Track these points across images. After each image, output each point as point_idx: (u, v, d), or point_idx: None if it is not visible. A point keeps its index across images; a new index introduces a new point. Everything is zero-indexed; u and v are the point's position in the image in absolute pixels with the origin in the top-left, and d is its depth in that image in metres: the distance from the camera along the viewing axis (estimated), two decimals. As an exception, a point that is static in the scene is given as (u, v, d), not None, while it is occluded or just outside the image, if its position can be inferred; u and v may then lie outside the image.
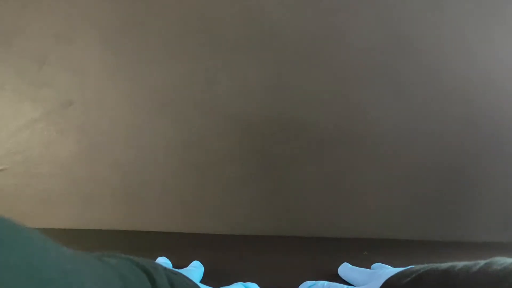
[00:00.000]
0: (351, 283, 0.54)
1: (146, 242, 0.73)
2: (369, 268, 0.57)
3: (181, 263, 0.61)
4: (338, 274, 0.58)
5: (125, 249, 0.69)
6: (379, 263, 0.59)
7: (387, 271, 0.48)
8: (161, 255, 0.64)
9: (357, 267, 0.57)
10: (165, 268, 0.39)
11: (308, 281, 0.51)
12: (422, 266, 0.43)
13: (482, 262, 0.37)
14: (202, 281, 0.55)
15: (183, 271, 0.51)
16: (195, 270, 0.56)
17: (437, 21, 0.77)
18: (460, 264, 0.39)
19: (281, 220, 0.79)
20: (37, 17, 0.78)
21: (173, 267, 0.59)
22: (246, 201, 0.80)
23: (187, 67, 0.78)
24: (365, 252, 0.67)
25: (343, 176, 0.79)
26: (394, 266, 0.54)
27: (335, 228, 0.78)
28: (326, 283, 0.50)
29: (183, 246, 0.71)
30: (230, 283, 0.51)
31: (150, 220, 0.80)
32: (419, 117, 0.78)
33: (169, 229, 0.80)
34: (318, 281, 0.51)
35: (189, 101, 0.79)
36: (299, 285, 0.53)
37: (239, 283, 0.51)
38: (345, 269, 0.57)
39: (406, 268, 0.46)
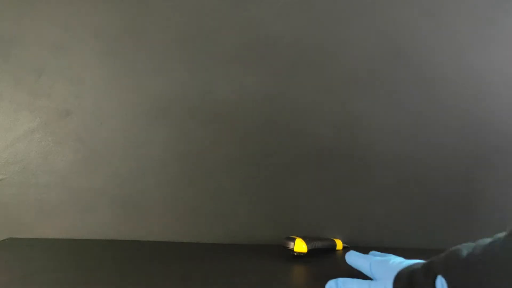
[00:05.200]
0: (359, 269, 0.57)
1: (144, 252, 0.73)
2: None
3: (179, 272, 0.60)
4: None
5: (122, 259, 0.69)
6: (375, 251, 0.63)
7: (396, 262, 0.51)
8: (158, 265, 0.64)
9: (362, 255, 0.59)
10: None
11: (331, 280, 0.53)
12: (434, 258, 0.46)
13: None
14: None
15: None
16: None
17: (433, 31, 0.77)
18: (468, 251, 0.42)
19: (280, 229, 0.79)
20: (35, 27, 0.79)
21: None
22: (244, 210, 0.80)
23: (185, 77, 0.79)
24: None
25: (340, 185, 0.79)
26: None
27: (334, 236, 0.78)
28: (343, 279, 0.53)
29: (181, 256, 0.71)
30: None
31: (148, 230, 0.80)
32: (416, 126, 0.78)
33: (167, 239, 0.79)
34: (338, 278, 0.53)
35: (186, 110, 0.79)
36: None
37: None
38: (352, 257, 0.60)
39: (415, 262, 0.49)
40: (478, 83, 0.77)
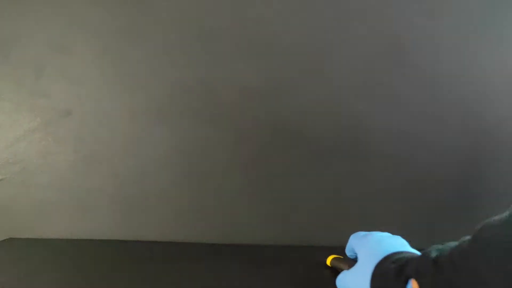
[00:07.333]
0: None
1: (144, 252, 0.73)
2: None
3: (179, 272, 0.60)
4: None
5: (122, 259, 0.69)
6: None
7: (377, 252, 0.53)
8: (158, 265, 0.64)
9: (365, 236, 0.61)
10: None
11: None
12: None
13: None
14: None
15: None
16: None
17: (433, 30, 0.77)
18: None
19: (280, 229, 0.79)
20: (35, 27, 0.79)
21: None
22: (244, 210, 0.80)
23: (186, 76, 0.79)
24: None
25: (342, 185, 0.79)
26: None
27: (334, 237, 0.78)
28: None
29: (181, 256, 0.71)
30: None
31: (147, 230, 0.80)
32: (418, 126, 0.78)
33: (167, 239, 0.79)
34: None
35: (187, 110, 0.79)
36: None
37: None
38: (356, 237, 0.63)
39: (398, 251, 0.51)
40: (479, 83, 0.77)
